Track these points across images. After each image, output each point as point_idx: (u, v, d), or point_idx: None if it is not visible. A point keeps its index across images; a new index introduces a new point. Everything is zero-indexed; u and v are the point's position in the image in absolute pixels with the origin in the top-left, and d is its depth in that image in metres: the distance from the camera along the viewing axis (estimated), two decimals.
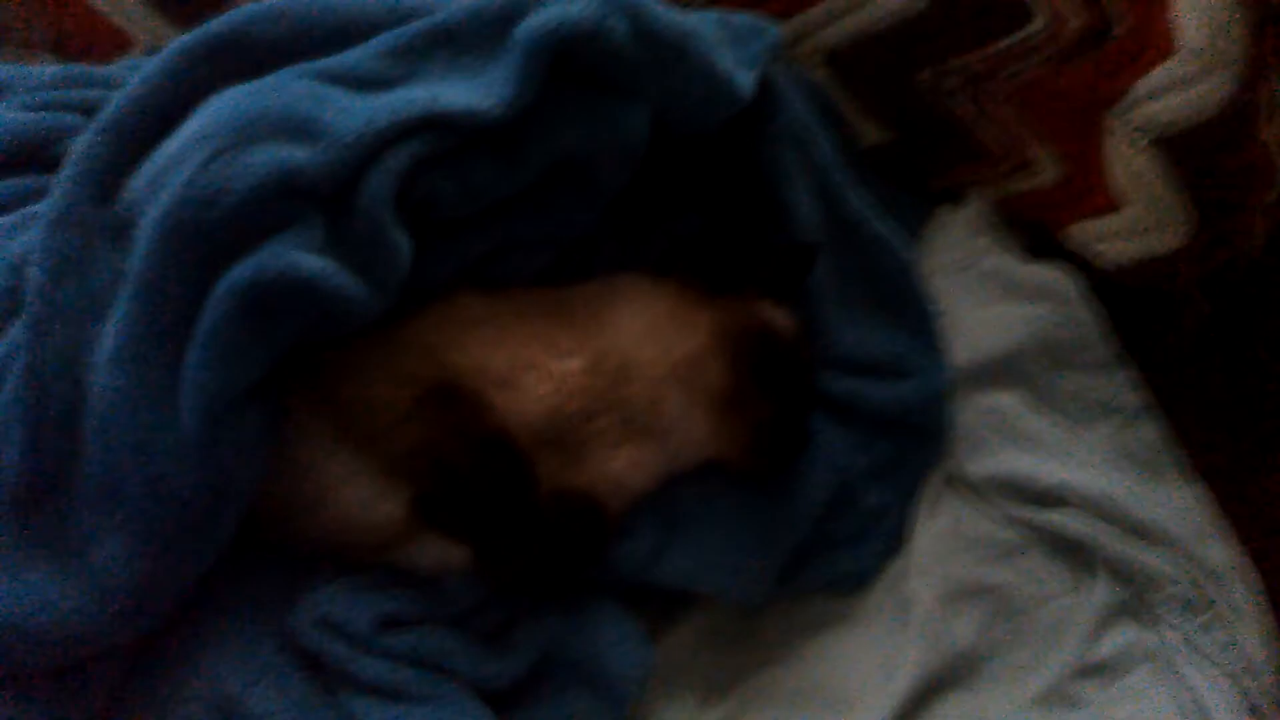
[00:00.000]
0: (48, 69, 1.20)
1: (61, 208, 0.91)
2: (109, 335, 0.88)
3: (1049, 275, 1.27)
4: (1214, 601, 1.12)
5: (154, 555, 0.87)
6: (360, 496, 0.96)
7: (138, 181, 0.92)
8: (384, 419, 0.94)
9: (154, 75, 0.96)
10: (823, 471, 1.10)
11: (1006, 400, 1.23)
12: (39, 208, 0.93)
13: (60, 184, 0.91)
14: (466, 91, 0.95)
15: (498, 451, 0.95)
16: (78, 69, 1.20)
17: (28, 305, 0.90)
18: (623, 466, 1.03)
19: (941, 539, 1.17)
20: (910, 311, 1.19)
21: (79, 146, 0.93)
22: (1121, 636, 1.13)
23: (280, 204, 0.89)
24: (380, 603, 0.95)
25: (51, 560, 0.87)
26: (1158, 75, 1.15)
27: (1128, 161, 1.19)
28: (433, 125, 0.93)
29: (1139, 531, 1.15)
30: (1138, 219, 1.21)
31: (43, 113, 1.10)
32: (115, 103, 0.95)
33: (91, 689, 0.90)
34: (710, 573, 1.06)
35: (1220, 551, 1.16)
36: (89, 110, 1.07)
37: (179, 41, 0.97)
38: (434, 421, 0.94)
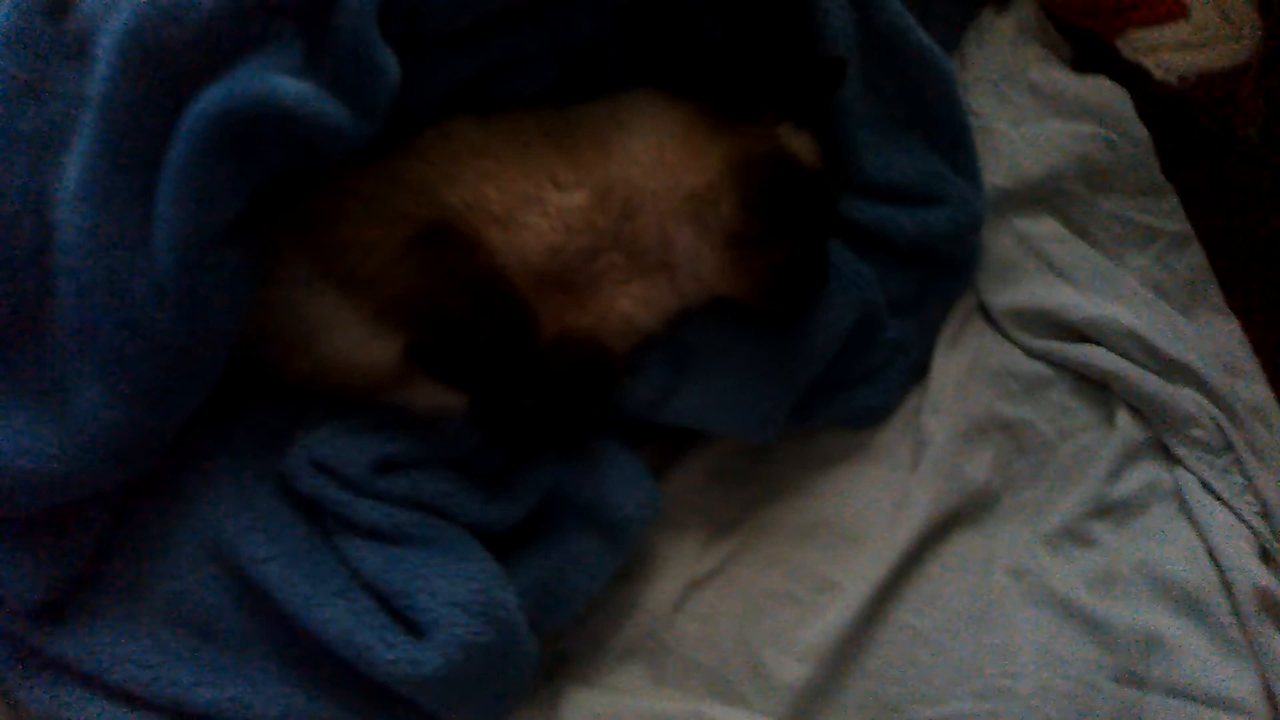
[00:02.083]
0: None
1: (11, 25, 0.82)
2: (72, 168, 0.80)
3: (1094, 90, 1.17)
4: (1235, 443, 1.08)
5: (134, 400, 0.82)
6: (351, 339, 0.90)
7: None
8: (374, 261, 0.88)
9: None
10: (842, 308, 1.04)
11: (1038, 227, 1.16)
12: None
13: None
14: None
15: (495, 296, 0.89)
16: None
17: None
18: (630, 304, 0.97)
19: (960, 373, 1.12)
20: (946, 131, 1.09)
21: None
22: (1140, 476, 1.10)
23: (253, 19, 0.80)
24: (376, 445, 0.91)
25: (32, 404, 0.83)
26: None
27: None
28: None
29: (1166, 369, 1.11)
30: (1203, 27, 1.10)
31: None
32: None
33: (80, 534, 0.87)
34: (721, 412, 1.02)
35: (1248, 390, 1.13)
36: None
37: None
38: (427, 264, 0.87)
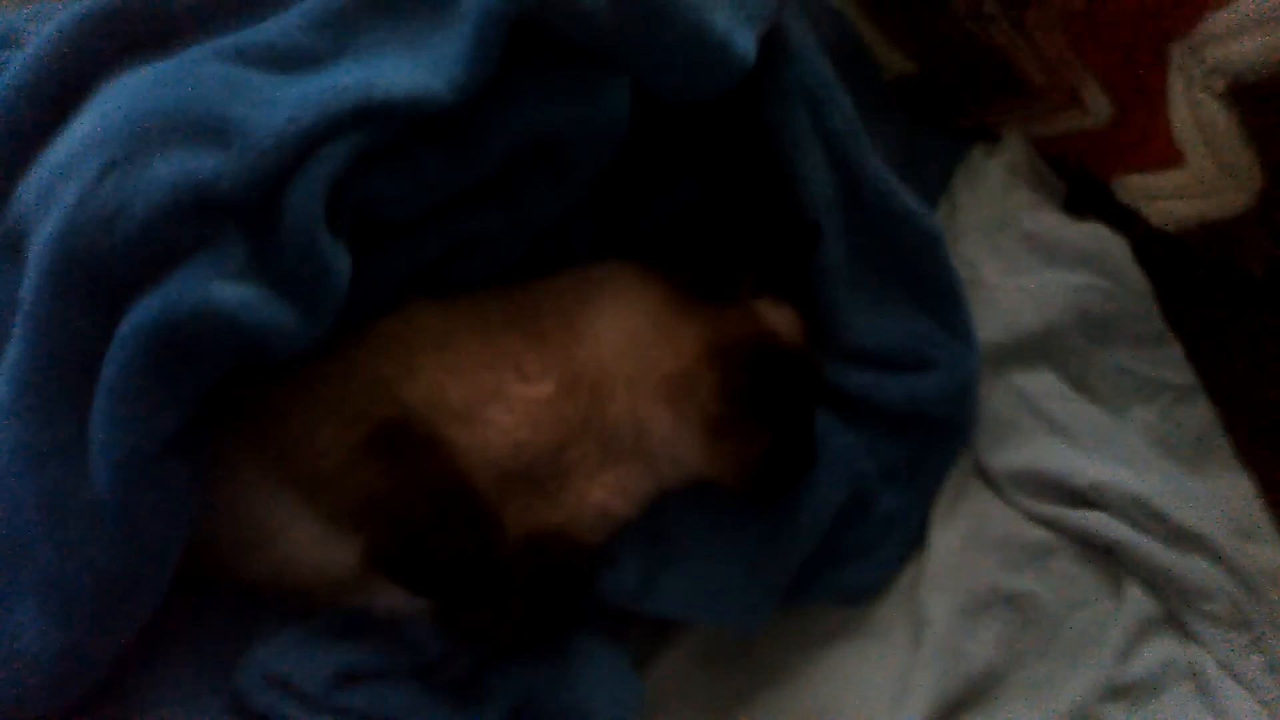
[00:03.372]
0: None
1: None
2: (3, 380, 0.76)
3: (1098, 235, 1.12)
4: (1256, 621, 1.01)
5: (71, 624, 0.77)
6: (307, 541, 0.85)
7: (26, 190, 0.79)
8: (330, 463, 0.83)
9: (43, 53, 0.82)
10: (831, 483, 0.98)
11: (1040, 382, 1.10)
12: None
13: None
14: (410, 70, 0.80)
15: (456, 501, 0.83)
16: None
17: None
18: (604, 494, 0.92)
19: (960, 543, 1.06)
20: (936, 292, 1.04)
21: None
22: (1155, 653, 1.03)
23: (190, 223, 0.76)
24: (335, 655, 0.86)
25: None
26: (1238, 7, 0.97)
27: (1195, 110, 1.03)
28: (370, 117, 0.78)
29: (1177, 537, 1.04)
30: (1201, 177, 1.05)
31: None
32: None
33: None
34: (706, 601, 0.95)
35: (1264, 555, 1.05)
36: None
37: (71, 10, 0.82)
38: (384, 469, 0.82)
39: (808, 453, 0.93)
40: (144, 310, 0.74)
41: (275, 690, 0.84)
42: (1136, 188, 1.10)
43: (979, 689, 1.01)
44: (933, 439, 1.06)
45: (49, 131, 0.81)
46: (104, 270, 0.74)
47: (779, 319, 0.95)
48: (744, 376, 0.90)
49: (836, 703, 1.00)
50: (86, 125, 0.78)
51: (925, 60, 1.18)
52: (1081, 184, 1.18)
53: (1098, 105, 1.12)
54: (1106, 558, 1.06)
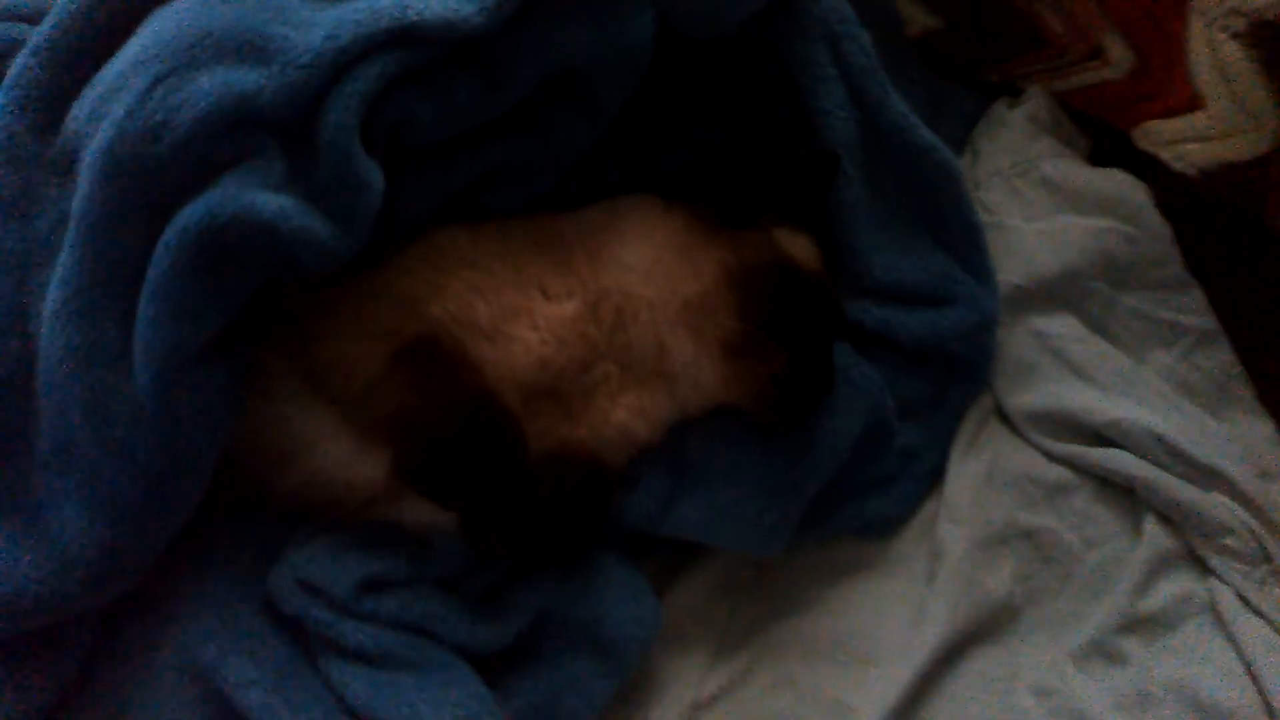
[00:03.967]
0: None
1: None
2: (54, 286, 0.80)
3: (1112, 183, 1.13)
4: (1271, 555, 1.02)
5: (113, 521, 0.81)
6: (338, 455, 0.88)
7: (80, 109, 0.83)
8: (360, 378, 0.86)
9: None
10: (850, 415, 1.00)
11: (1060, 324, 1.11)
12: None
13: None
14: None
15: (482, 413, 0.86)
16: None
17: None
18: (626, 415, 0.94)
19: (977, 480, 1.07)
20: (955, 230, 1.06)
21: (14, 70, 0.84)
22: (1172, 588, 1.04)
23: (232, 136, 0.80)
24: (363, 564, 0.89)
25: (9, 526, 0.82)
26: None
27: (1215, 51, 1.04)
28: (404, 39, 0.81)
29: (1195, 474, 1.05)
30: (1217, 121, 1.07)
31: None
32: (51, 18, 0.85)
33: (62, 657, 0.86)
34: (724, 525, 0.98)
35: None
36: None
37: None
38: (413, 382, 0.85)
39: (825, 377, 0.95)
40: (187, 216, 0.77)
41: (305, 594, 0.87)
42: (1156, 133, 1.12)
43: (995, 621, 1.03)
44: (952, 376, 1.07)
45: (99, 61, 0.85)
46: (150, 179, 0.78)
47: (797, 247, 0.98)
48: (761, 298, 0.93)
49: (853, 632, 1.02)
50: (135, 47, 0.82)
51: (949, 15, 1.20)
52: (1105, 138, 1.19)
53: (1119, 56, 1.13)
54: (1124, 496, 1.08)
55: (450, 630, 0.89)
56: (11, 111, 0.83)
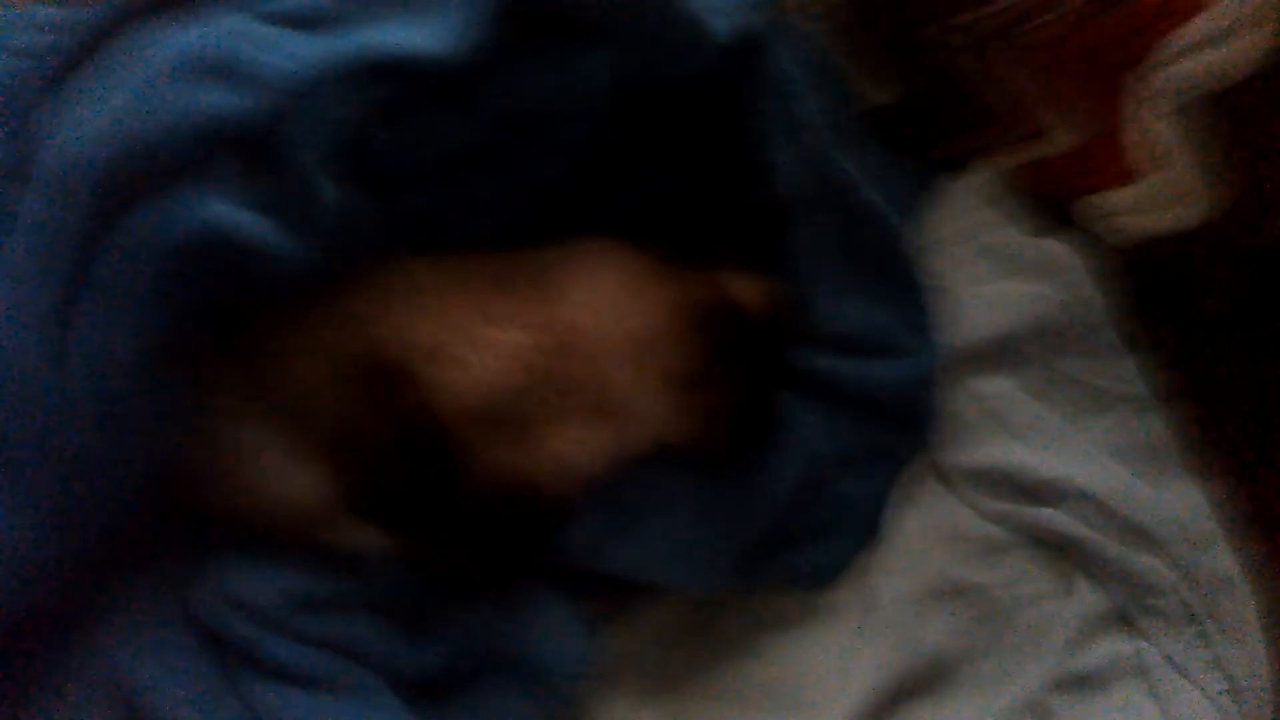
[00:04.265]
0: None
1: None
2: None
3: (1055, 250, 1.17)
4: (1201, 616, 1.03)
5: (39, 519, 0.80)
6: (276, 472, 0.88)
7: (41, 115, 0.85)
8: (303, 394, 0.87)
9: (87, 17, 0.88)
10: (790, 458, 1.01)
11: (1000, 386, 1.14)
12: None
13: None
14: (416, 34, 0.86)
15: (421, 434, 0.87)
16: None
17: None
18: (568, 447, 0.95)
19: (916, 534, 1.09)
20: (898, 285, 1.09)
21: None
22: (1104, 648, 1.05)
23: (197, 148, 0.81)
24: (293, 580, 0.88)
25: None
26: (1191, 30, 1.03)
27: (1150, 126, 1.08)
28: (375, 71, 0.84)
29: (1133, 535, 1.06)
30: (1158, 190, 1.10)
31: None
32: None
33: None
34: (661, 562, 0.98)
35: (1221, 560, 1.07)
36: None
37: None
38: (353, 400, 0.86)
39: (765, 418, 0.97)
40: (140, 222, 0.79)
41: (230, 609, 0.86)
42: (1094, 207, 1.15)
43: (928, 676, 1.03)
44: (891, 429, 1.09)
45: (73, 71, 0.87)
46: (107, 181, 0.79)
47: (744, 290, 1.00)
48: (706, 337, 0.95)
49: (783, 681, 1.02)
50: (111, 59, 0.84)
51: (899, 92, 1.24)
52: (1048, 214, 1.23)
53: (1062, 133, 1.18)
54: (1058, 555, 1.09)
55: (377, 654, 0.88)
56: None
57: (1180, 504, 1.10)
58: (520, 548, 0.94)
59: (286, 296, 0.87)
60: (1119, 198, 1.14)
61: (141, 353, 0.80)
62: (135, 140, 0.79)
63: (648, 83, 0.96)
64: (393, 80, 0.85)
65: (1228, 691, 1.01)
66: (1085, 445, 1.12)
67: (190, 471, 0.90)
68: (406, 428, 0.87)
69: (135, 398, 0.81)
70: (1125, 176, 1.13)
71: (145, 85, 0.81)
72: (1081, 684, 1.04)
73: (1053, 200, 1.21)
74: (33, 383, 0.79)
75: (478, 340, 0.91)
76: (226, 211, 0.80)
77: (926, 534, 1.09)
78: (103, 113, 0.80)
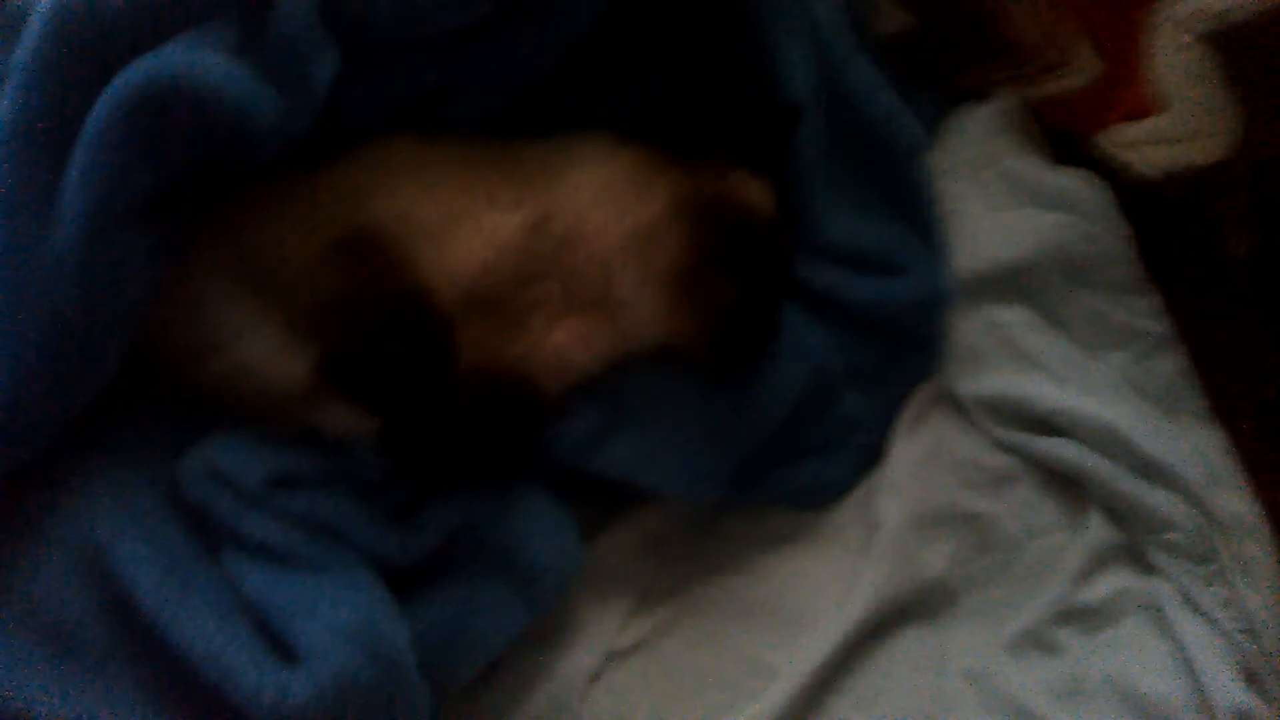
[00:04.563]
0: None
1: None
2: None
3: (1074, 181, 1.14)
4: (1218, 553, 0.99)
5: (22, 378, 0.78)
6: (262, 349, 0.86)
7: None
8: (292, 266, 0.85)
9: None
10: (792, 368, 0.98)
11: (1011, 315, 1.10)
12: None
13: None
14: None
15: (415, 311, 0.85)
16: None
17: None
18: (563, 340, 0.92)
19: (921, 459, 1.05)
20: (909, 201, 1.06)
21: None
22: (1112, 582, 1.01)
23: (193, 2, 0.80)
24: (277, 458, 0.85)
25: None
26: None
27: (1173, 57, 1.06)
28: None
29: (1144, 469, 1.02)
30: (1178, 123, 1.08)
31: None
32: None
33: None
34: (655, 464, 0.95)
35: (1233, 501, 1.03)
36: None
37: None
38: (346, 272, 0.84)
39: (771, 321, 0.94)
40: (131, 71, 0.77)
41: (212, 483, 0.84)
42: (1119, 137, 1.12)
43: (929, 600, 1.00)
44: (900, 348, 1.06)
45: None
46: (97, 31, 0.77)
47: (751, 190, 0.97)
48: (711, 231, 0.92)
49: (781, 596, 1.00)
50: None
51: (921, 16, 1.22)
52: (1068, 146, 1.19)
53: (1085, 63, 1.15)
54: (1069, 487, 1.05)
55: (360, 536, 0.86)
56: None
57: (1200, 442, 1.06)
58: (510, 440, 0.91)
59: (279, 165, 0.85)
60: (1139, 130, 1.12)
61: (129, 209, 0.79)
62: None
63: None
64: None
65: (1245, 631, 0.97)
66: (1101, 378, 1.09)
67: (177, 346, 0.88)
68: (400, 307, 0.85)
69: (121, 256, 0.79)
70: (1146, 108, 1.10)
71: None
72: (1088, 617, 1.00)
73: (1073, 132, 1.18)
74: (20, 239, 0.77)
75: (480, 222, 0.89)
76: (218, 65, 0.78)
77: (933, 460, 1.05)
78: None
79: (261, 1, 0.81)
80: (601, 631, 0.95)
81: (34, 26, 0.78)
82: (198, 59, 0.78)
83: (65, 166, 0.78)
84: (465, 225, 0.88)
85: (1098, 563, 1.02)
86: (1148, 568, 1.02)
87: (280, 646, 0.79)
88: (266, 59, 0.81)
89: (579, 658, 0.94)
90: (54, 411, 0.81)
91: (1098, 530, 1.03)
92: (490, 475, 0.91)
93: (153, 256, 0.81)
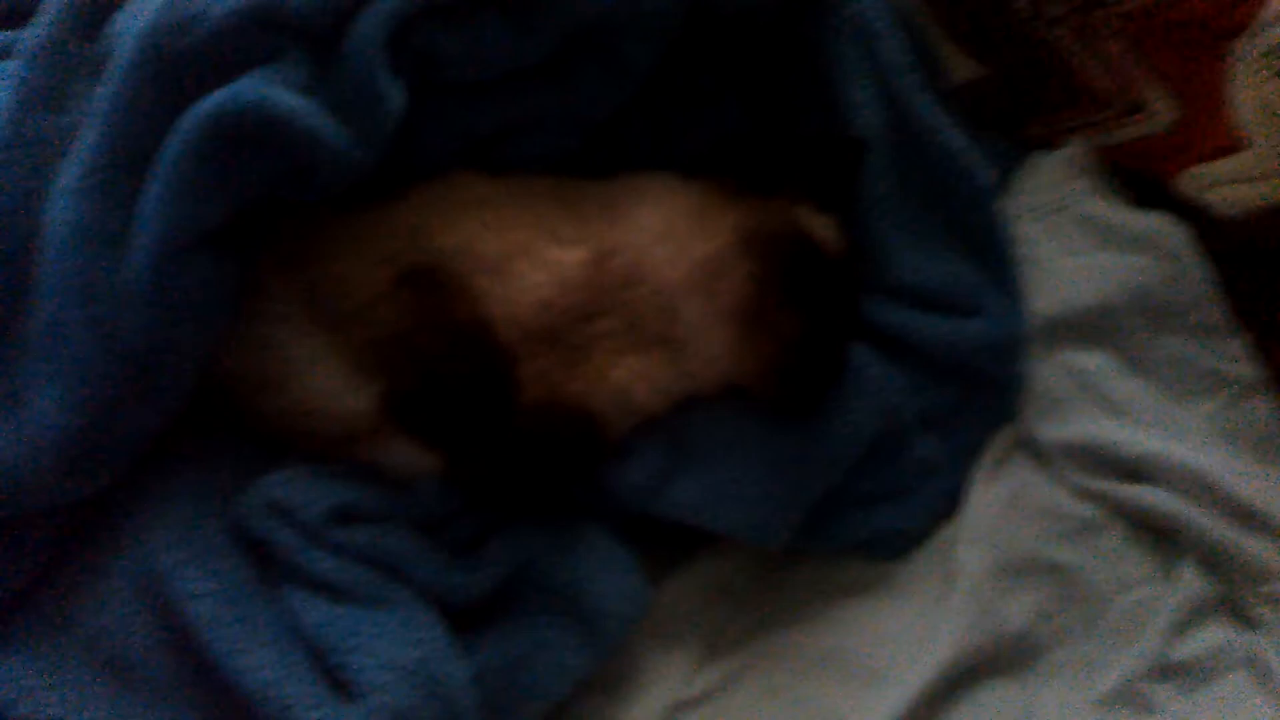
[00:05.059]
0: None
1: (42, 39, 0.85)
2: (74, 163, 0.81)
3: (1154, 223, 1.10)
4: None
5: (93, 407, 0.79)
6: (326, 384, 0.86)
7: (122, 14, 0.86)
8: (357, 300, 0.85)
9: None
10: (864, 410, 0.95)
11: (1093, 361, 1.07)
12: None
13: (43, 14, 0.86)
14: None
15: (476, 344, 0.85)
16: None
17: None
18: (626, 377, 0.91)
19: (1003, 507, 1.01)
20: (982, 240, 1.04)
21: None
22: (1210, 636, 0.96)
23: (260, 36, 0.82)
24: (339, 492, 0.85)
25: None
26: None
27: (1252, 94, 1.03)
28: None
29: (1240, 517, 0.98)
30: (1261, 160, 1.04)
31: None
32: None
33: (27, 550, 0.83)
34: (720, 508, 0.92)
35: None
36: None
37: None
38: (409, 307, 0.85)
39: (839, 359, 0.92)
40: (206, 103, 0.79)
41: (274, 517, 0.84)
42: (1199, 178, 1.09)
43: (1012, 655, 0.95)
44: (976, 391, 1.03)
45: None
46: (177, 68, 0.80)
47: (818, 224, 0.96)
48: (777, 265, 0.91)
49: (854, 649, 0.96)
50: None
51: (992, 65, 1.21)
52: (1144, 189, 1.17)
53: (1162, 107, 1.12)
54: (1158, 537, 1.01)
55: (420, 572, 0.84)
56: (60, 14, 0.86)
57: None
58: (572, 478, 0.90)
59: (346, 200, 0.86)
60: (1220, 169, 1.08)
61: (200, 239, 0.80)
62: (204, 25, 0.80)
63: (719, 9, 0.94)
64: None
65: None
66: (1188, 424, 1.04)
67: (243, 379, 0.88)
68: (462, 340, 0.84)
69: (191, 286, 0.80)
70: (1229, 147, 1.07)
71: None
72: (1185, 674, 0.94)
73: (1150, 175, 1.15)
74: (93, 269, 0.79)
75: (543, 258, 0.88)
76: (289, 98, 0.80)
77: (1014, 509, 1.01)
78: (172, 2, 0.81)
79: (331, 39, 0.83)
80: (667, 681, 0.92)
81: (119, 62, 0.81)
82: (270, 91, 0.80)
83: (139, 197, 0.80)
84: (527, 260, 0.88)
85: (1193, 616, 0.97)
86: (1248, 621, 0.96)
87: (338, 682, 0.78)
88: (336, 94, 0.83)
89: (644, 708, 0.90)
90: (122, 442, 0.82)
91: (1191, 582, 0.98)
92: (551, 510, 0.89)
93: (221, 288, 0.83)
